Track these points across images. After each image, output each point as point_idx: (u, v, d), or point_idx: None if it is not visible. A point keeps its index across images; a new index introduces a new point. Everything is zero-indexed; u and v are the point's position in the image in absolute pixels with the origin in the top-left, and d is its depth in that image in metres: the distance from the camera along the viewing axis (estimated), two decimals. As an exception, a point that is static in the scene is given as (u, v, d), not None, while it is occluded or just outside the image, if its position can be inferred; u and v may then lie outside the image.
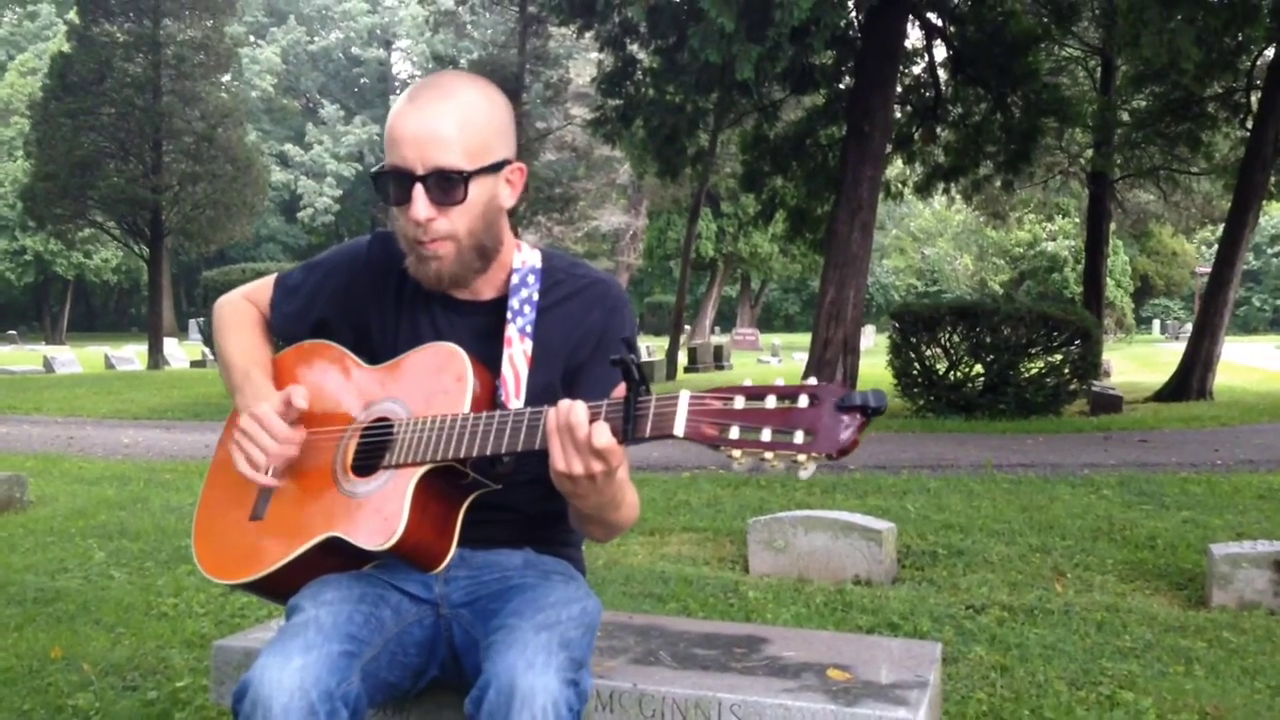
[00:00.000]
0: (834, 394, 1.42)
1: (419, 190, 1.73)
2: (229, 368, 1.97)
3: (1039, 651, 3.77)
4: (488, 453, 1.68)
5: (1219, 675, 3.57)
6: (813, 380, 1.47)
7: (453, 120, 1.74)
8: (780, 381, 1.49)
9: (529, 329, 1.85)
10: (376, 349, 1.93)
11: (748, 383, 1.50)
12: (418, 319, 1.92)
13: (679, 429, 1.48)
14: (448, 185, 1.74)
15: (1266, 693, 3.43)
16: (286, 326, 2.04)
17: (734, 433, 1.45)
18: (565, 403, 1.59)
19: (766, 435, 1.43)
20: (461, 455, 1.69)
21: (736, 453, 1.45)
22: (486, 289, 1.91)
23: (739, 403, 1.47)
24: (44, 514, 6.61)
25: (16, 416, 14.17)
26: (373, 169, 1.79)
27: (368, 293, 1.96)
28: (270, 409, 1.82)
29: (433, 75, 1.82)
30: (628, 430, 1.54)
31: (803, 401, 1.44)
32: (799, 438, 1.41)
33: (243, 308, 2.07)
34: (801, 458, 1.41)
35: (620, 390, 1.58)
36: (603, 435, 1.54)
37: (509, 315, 1.86)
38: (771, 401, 1.46)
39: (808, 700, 1.85)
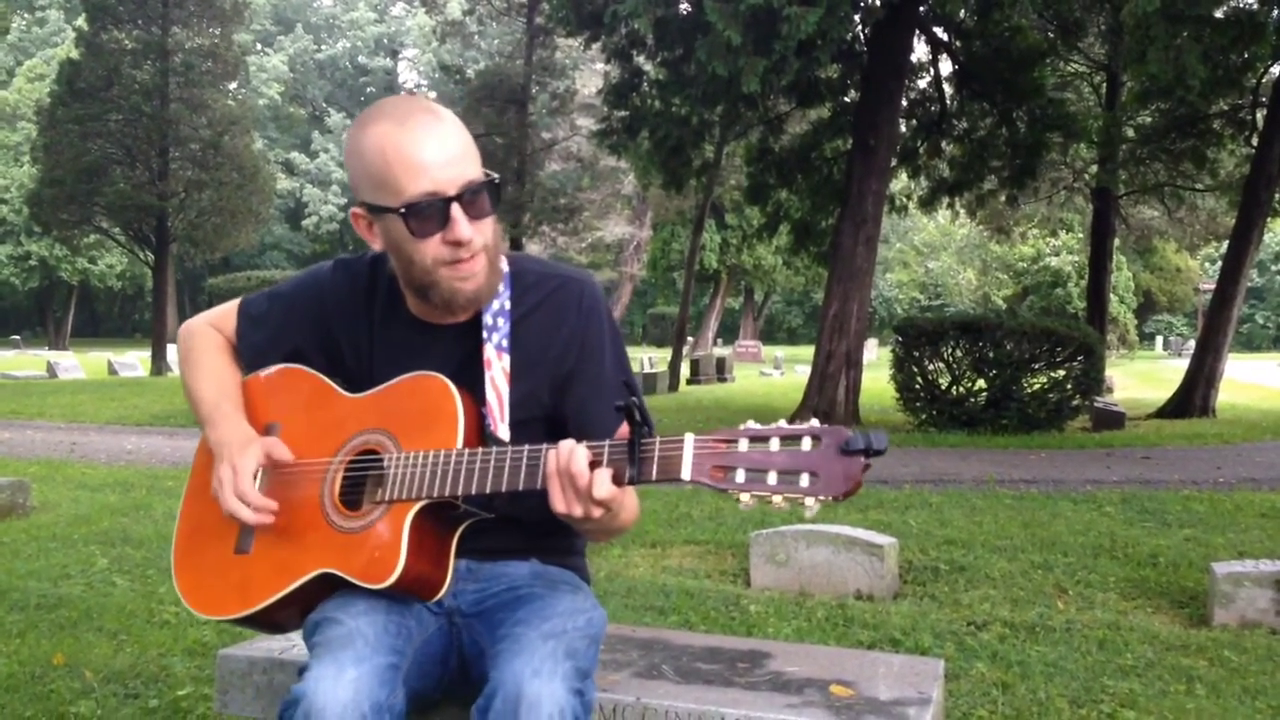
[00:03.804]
0: (837, 437, 1.45)
1: (458, 210, 1.69)
2: (198, 401, 1.93)
3: (1041, 669, 3.77)
4: (486, 490, 1.67)
5: (1220, 695, 3.56)
6: (815, 422, 1.49)
7: (460, 135, 1.72)
8: (782, 422, 1.51)
9: (505, 343, 1.82)
10: (351, 375, 1.90)
11: (751, 424, 1.52)
12: (392, 342, 1.88)
13: (686, 473, 1.50)
14: (479, 198, 1.72)
15: (1268, 713, 3.42)
16: (254, 356, 1.98)
17: (740, 476, 1.48)
18: (565, 447, 1.58)
19: (772, 479, 1.46)
20: (459, 493, 1.68)
21: (744, 495, 1.47)
22: None
23: (743, 445, 1.49)
24: (46, 520, 6.62)
25: (20, 422, 14.19)
26: (401, 208, 1.68)
27: (338, 319, 1.92)
28: (250, 468, 1.78)
29: (392, 101, 1.75)
30: (632, 475, 1.55)
31: (806, 444, 1.46)
32: (804, 481, 1.44)
33: (209, 335, 2.02)
34: (809, 500, 1.44)
35: (623, 431, 1.58)
36: (604, 486, 1.55)
37: (484, 334, 1.81)
38: (775, 444, 1.48)
39: (811, 716, 1.85)
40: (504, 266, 1.86)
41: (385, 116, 1.71)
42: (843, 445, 1.43)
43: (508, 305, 1.84)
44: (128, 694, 3.44)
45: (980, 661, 3.84)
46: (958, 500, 7.54)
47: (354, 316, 1.92)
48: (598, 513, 1.58)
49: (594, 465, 1.56)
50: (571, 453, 1.57)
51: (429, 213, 1.68)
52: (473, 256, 1.73)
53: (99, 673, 3.60)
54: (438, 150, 1.68)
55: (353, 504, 1.77)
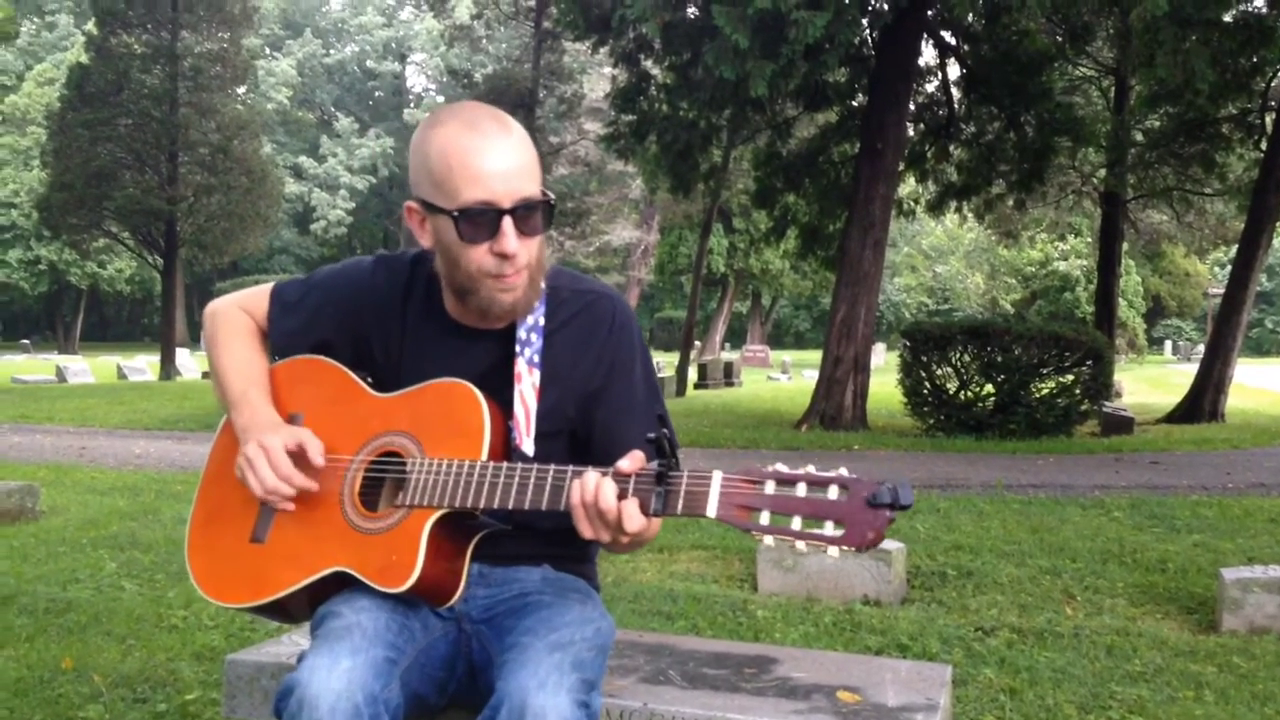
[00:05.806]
0: (865, 489, 1.46)
1: (508, 223, 1.70)
2: (225, 384, 1.94)
3: (1049, 675, 3.76)
4: (509, 506, 1.68)
5: (1229, 701, 3.55)
6: (844, 470, 1.50)
7: (525, 151, 1.73)
8: (811, 467, 1.51)
9: (537, 358, 1.83)
10: (380, 373, 1.92)
11: (780, 466, 1.52)
12: (424, 346, 1.90)
13: (711, 510, 1.51)
14: (531, 215, 1.73)
15: (1277, 719, 3.41)
16: (285, 343, 2.00)
17: (764, 519, 1.49)
18: (591, 481, 1.59)
19: (796, 524, 1.47)
20: (480, 506, 1.69)
21: (768, 538, 1.48)
22: None
23: (769, 488, 1.50)
24: (56, 524, 6.63)
25: (29, 426, 14.23)
26: (455, 211, 1.70)
27: (372, 317, 1.94)
28: (280, 444, 1.79)
29: (468, 106, 1.77)
30: (656, 508, 1.56)
31: (833, 493, 1.47)
32: (829, 529, 1.46)
33: (237, 318, 2.02)
34: (831, 549, 1.45)
35: (648, 452, 1.59)
36: (634, 521, 1.57)
37: (517, 347, 1.83)
38: (802, 489, 1.49)
39: (817, 723, 1.85)
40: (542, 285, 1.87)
41: (456, 119, 1.73)
42: (870, 498, 1.44)
43: (542, 321, 1.85)
44: (136, 698, 3.45)
45: (988, 667, 3.83)
46: (965, 505, 7.52)
47: (388, 314, 1.93)
48: (625, 539, 1.60)
49: (620, 496, 1.57)
50: (599, 488, 1.58)
51: (480, 221, 1.70)
52: (516, 272, 1.74)
53: (107, 677, 3.61)
54: (499, 161, 1.69)
55: (371, 504, 1.78)
